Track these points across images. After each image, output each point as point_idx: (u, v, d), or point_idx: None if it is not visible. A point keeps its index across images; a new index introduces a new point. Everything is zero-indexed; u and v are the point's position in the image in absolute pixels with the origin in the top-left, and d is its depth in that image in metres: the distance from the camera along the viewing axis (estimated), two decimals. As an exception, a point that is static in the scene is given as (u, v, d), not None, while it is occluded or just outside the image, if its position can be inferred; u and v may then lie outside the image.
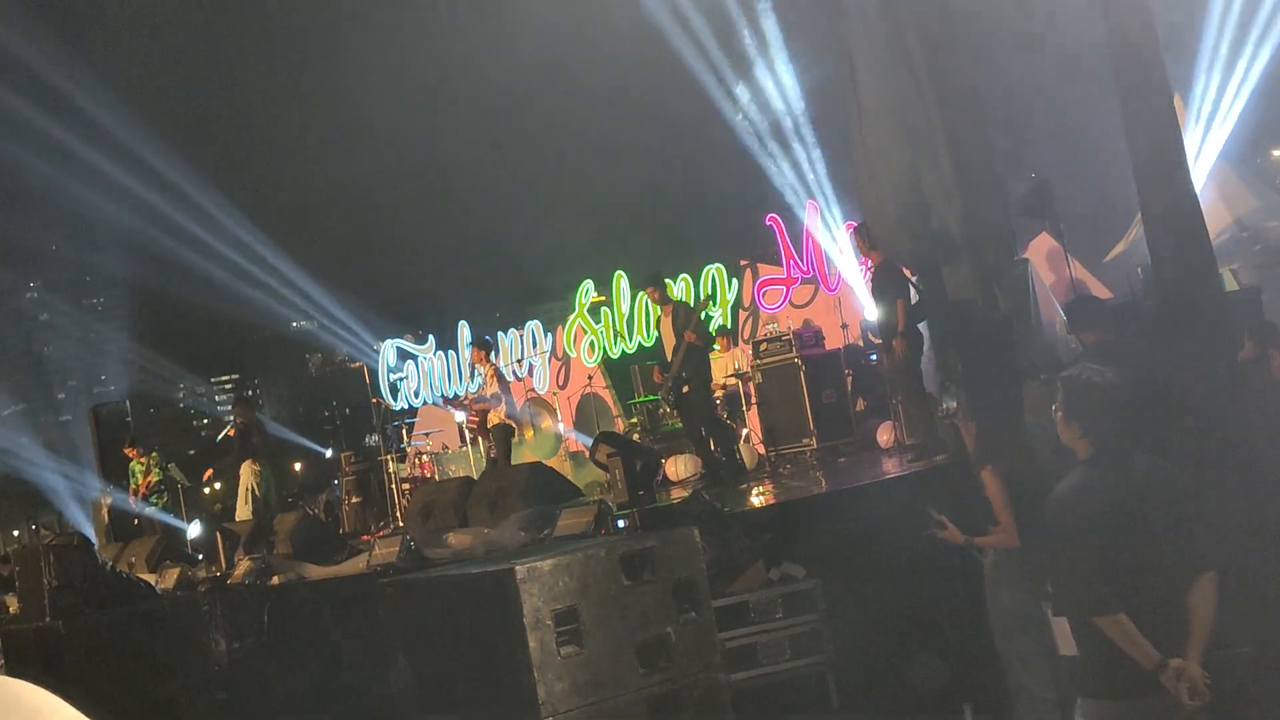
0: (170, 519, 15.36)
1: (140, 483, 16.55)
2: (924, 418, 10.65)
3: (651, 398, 15.65)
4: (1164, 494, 4.21)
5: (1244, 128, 17.60)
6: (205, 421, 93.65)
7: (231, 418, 16.50)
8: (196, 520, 12.45)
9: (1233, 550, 6.04)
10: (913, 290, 10.38)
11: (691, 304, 13.11)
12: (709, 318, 13.46)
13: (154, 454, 17.07)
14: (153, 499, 16.37)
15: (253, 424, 16.12)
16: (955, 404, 7.18)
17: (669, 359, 11.78)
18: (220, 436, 16.82)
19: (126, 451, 17.01)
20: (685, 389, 11.64)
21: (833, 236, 15.05)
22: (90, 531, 17.36)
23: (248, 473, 15.47)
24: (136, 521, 16.62)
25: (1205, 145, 17.03)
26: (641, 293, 16.55)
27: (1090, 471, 4.30)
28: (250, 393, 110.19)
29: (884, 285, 10.66)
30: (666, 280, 12.78)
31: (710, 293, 14.96)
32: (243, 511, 15.09)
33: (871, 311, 11.32)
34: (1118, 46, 7.46)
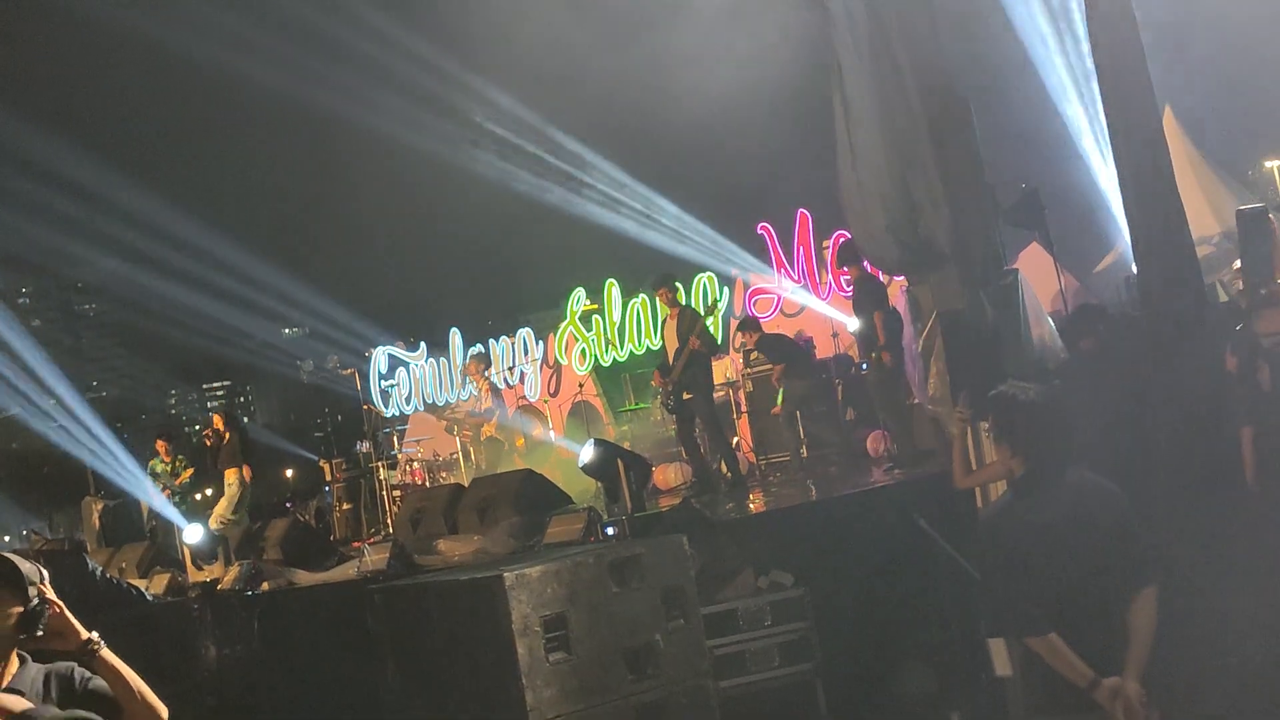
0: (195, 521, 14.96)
1: (173, 480, 16.18)
2: (907, 428, 10.69)
3: (642, 405, 15.64)
4: (1099, 511, 4.12)
5: (1235, 138, 17.67)
6: (197, 428, 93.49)
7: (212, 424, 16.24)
8: (198, 525, 12.28)
9: (1215, 561, 6.09)
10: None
11: (700, 310, 13.06)
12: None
13: (180, 456, 16.71)
14: (177, 499, 16.06)
15: (222, 433, 15.82)
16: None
17: (670, 362, 11.67)
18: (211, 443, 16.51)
19: (158, 445, 16.70)
20: (686, 395, 11.60)
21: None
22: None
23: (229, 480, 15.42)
24: (153, 526, 16.37)
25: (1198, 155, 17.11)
26: (633, 300, 16.60)
27: (1018, 493, 4.24)
28: (242, 399, 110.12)
29: (862, 298, 10.67)
30: (678, 284, 12.75)
31: (718, 299, 14.92)
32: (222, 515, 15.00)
33: (854, 323, 11.37)
34: (1104, 63, 7.51)
